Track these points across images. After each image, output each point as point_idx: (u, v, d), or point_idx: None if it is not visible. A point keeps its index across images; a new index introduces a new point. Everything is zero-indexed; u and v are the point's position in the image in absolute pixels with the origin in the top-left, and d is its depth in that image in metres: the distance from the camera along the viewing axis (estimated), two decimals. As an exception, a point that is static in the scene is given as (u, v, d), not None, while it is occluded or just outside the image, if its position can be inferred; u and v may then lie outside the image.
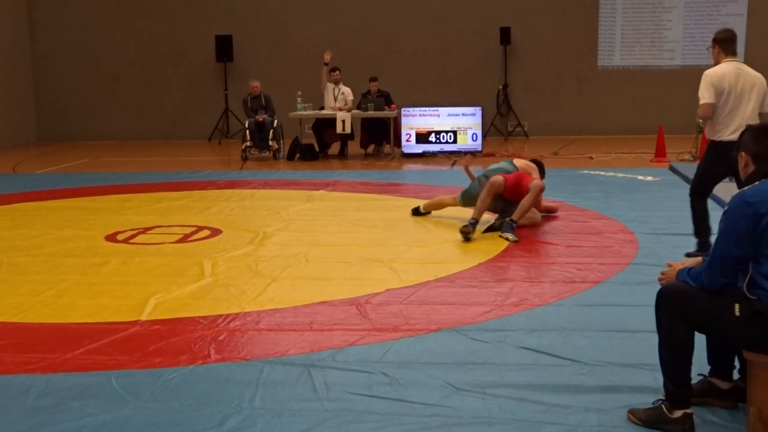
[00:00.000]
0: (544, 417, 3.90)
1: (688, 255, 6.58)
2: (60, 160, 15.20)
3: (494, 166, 8.83)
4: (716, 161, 6.58)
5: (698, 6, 17.25)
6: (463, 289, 6.05)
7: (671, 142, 13.82)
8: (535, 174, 8.51)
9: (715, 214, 3.80)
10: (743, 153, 3.74)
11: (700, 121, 7.14)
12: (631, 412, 3.86)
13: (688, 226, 7.95)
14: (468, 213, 8.17)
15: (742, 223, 3.51)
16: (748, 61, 16.78)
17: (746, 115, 6.51)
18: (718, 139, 6.58)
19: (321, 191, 10.75)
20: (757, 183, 3.59)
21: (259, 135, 14.61)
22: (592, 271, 6.47)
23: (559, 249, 7.28)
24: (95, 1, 18.41)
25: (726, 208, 3.65)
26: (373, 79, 14.98)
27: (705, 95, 6.54)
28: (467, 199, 8.56)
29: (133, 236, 8.17)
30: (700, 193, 6.88)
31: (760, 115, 6.58)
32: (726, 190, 8.15)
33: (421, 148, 14.64)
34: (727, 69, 6.61)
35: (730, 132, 6.46)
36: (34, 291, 6.18)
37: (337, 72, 14.85)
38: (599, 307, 5.55)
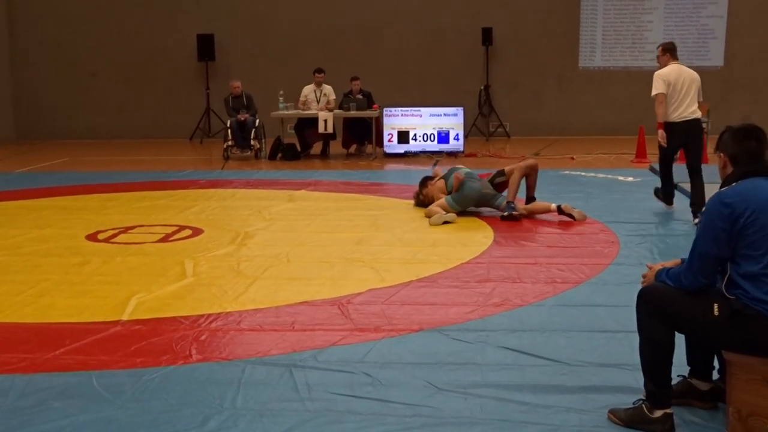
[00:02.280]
0: (525, 417, 3.92)
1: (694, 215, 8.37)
2: (39, 159, 15.11)
3: (466, 170, 9.12)
4: (672, 135, 8.74)
5: (679, 8, 17.36)
6: (445, 289, 6.07)
7: (652, 142, 13.80)
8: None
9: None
10: (722, 154, 3.77)
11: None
12: (612, 412, 3.88)
13: (669, 226, 8.05)
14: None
15: (720, 223, 3.54)
16: (727, 62, 16.93)
17: (686, 102, 8.71)
18: (670, 120, 8.71)
19: (303, 191, 10.74)
20: (734, 184, 3.62)
21: (241, 134, 14.58)
22: (573, 271, 6.50)
23: (541, 249, 7.31)
24: (75, -1, 18.33)
25: (704, 208, 3.68)
26: (354, 79, 14.99)
27: (659, 88, 8.72)
28: (463, 201, 8.76)
29: (115, 236, 8.14)
30: (666, 162, 9.00)
31: (699, 103, 8.90)
32: (705, 191, 8.25)
33: (403, 148, 14.65)
34: (672, 69, 8.76)
35: (677, 115, 8.69)
36: (14, 291, 6.14)
37: (322, 74, 14.83)
38: (580, 308, 5.58)
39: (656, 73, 8.82)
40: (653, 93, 8.78)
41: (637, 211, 8.98)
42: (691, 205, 8.61)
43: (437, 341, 4.96)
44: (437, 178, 9.31)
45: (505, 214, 8.60)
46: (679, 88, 8.68)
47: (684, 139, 8.78)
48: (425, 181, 9.41)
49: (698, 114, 8.81)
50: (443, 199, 8.83)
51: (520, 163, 9.31)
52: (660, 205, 9.19)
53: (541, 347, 4.80)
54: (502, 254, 7.13)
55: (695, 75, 8.82)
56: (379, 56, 17.78)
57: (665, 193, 9.10)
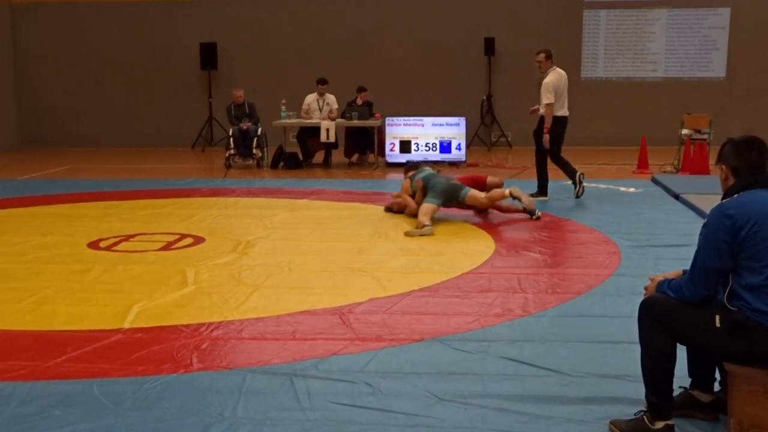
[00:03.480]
0: (526, 428, 3.92)
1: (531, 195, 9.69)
2: (42, 166, 15.14)
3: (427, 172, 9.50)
4: (559, 128, 10.40)
5: (681, 19, 17.39)
6: (446, 299, 6.07)
7: (653, 153, 13.91)
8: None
9: (697, 227, 3.83)
10: (723, 166, 3.77)
11: (541, 110, 10.40)
12: (613, 423, 3.88)
13: (671, 237, 8.06)
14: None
15: (722, 235, 3.54)
16: (729, 74, 16.96)
17: (563, 100, 10.42)
18: (556, 115, 10.30)
19: (304, 200, 10.75)
20: (736, 195, 3.62)
21: (243, 143, 14.60)
22: (574, 282, 6.50)
23: (542, 259, 7.31)
24: (79, 6, 18.36)
25: (706, 220, 3.68)
26: (361, 89, 14.99)
27: (550, 97, 10.23)
28: (439, 194, 9.00)
29: (116, 243, 8.15)
30: (558, 155, 10.55)
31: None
32: (707, 202, 8.25)
33: (404, 158, 14.64)
34: (556, 75, 10.39)
35: (560, 111, 10.35)
36: (15, 298, 6.15)
37: (325, 86, 14.86)
38: (581, 318, 5.58)
39: (545, 81, 10.24)
40: (546, 102, 10.21)
41: (639, 221, 8.98)
42: (573, 181, 10.43)
43: (438, 351, 4.96)
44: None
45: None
46: (561, 90, 10.34)
47: (562, 131, 10.49)
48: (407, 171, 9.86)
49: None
50: (425, 204, 8.85)
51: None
52: (661, 215, 9.20)
53: (542, 358, 4.80)
54: (503, 264, 7.14)
55: (565, 74, 10.56)
56: (381, 66, 17.81)
57: (572, 174, 10.52)
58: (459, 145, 14.75)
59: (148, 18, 18.32)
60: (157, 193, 11.47)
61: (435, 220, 8.77)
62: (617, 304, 5.84)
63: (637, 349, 3.80)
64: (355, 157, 15.24)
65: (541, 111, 10.37)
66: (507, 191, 9.09)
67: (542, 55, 10.46)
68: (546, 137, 10.27)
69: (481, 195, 9.14)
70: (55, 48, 18.49)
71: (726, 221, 3.54)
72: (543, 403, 4.17)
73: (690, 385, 4.02)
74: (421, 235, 8.33)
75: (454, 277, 6.70)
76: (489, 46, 17.38)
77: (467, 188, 9.17)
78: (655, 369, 3.71)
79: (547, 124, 10.22)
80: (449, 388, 4.37)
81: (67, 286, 6.51)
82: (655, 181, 11.98)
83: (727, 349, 3.58)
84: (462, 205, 9.23)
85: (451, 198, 9.13)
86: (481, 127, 17.57)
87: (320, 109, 14.83)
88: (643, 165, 13.50)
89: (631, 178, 12.77)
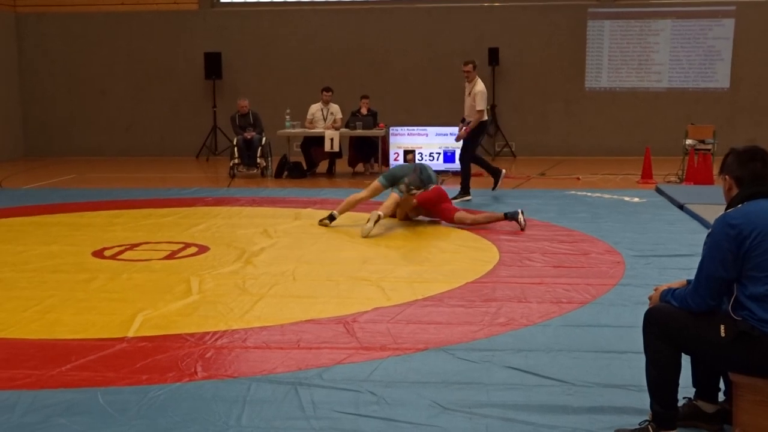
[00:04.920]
0: (530, 437, 3.91)
1: (454, 198, 10.48)
2: (47, 176, 15.17)
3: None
4: (481, 133, 11.79)
5: (685, 30, 17.40)
6: (451, 308, 6.07)
7: (658, 163, 13.91)
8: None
9: (701, 237, 3.83)
10: (727, 176, 3.78)
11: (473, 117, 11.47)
12: (618, 432, 3.88)
13: (675, 247, 8.06)
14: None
15: (726, 245, 3.54)
16: (733, 84, 16.99)
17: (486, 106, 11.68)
18: (483, 120, 11.54)
19: (309, 209, 10.76)
20: (740, 206, 3.63)
21: (247, 152, 14.63)
22: (579, 291, 6.49)
23: (546, 269, 7.30)
24: (83, 17, 18.42)
25: (710, 230, 3.68)
26: (364, 97, 15.05)
27: (483, 105, 11.37)
28: (390, 177, 9.68)
29: (121, 252, 8.16)
30: (475, 155, 11.85)
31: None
32: (711, 212, 8.24)
33: (409, 168, 14.65)
34: (482, 84, 11.54)
35: (486, 117, 11.71)
36: (20, 307, 6.16)
37: (330, 93, 14.91)
38: (586, 328, 5.57)
39: (479, 90, 11.36)
40: (480, 108, 11.33)
41: (643, 231, 8.97)
42: (496, 178, 11.68)
43: (443, 360, 4.96)
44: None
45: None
46: (487, 97, 11.80)
47: (483, 133, 11.94)
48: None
49: None
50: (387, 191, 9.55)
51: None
52: (665, 225, 9.20)
53: (547, 367, 4.80)
54: (507, 274, 7.13)
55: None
56: (386, 76, 17.84)
57: (493, 172, 11.71)
58: (463, 154, 14.74)
59: (153, 28, 18.37)
60: (161, 202, 11.49)
61: (438, 229, 8.78)
62: (622, 314, 5.84)
63: (642, 359, 3.79)
64: (359, 167, 15.25)
65: (474, 118, 11.41)
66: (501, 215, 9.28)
67: (470, 66, 11.50)
68: (462, 135, 11.49)
69: (469, 217, 9.40)
70: (59, 58, 18.55)
71: (730, 231, 3.54)
72: (548, 413, 4.16)
73: (694, 396, 4.01)
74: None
75: (458, 286, 6.70)
76: (493, 56, 17.40)
77: (407, 180, 9.40)
78: (660, 379, 3.71)
79: (473, 125, 11.39)
80: (454, 398, 4.37)
81: (72, 295, 6.52)
82: (659, 191, 11.97)
83: (732, 358, 3.58)
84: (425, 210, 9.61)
85: (394, 181, 9.56)
86: (485, 137, 17.54)
87: (324, 119, 14.86)
88: (647, 175, 13.50)
89: (635, 188, 12.77)
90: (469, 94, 11.52)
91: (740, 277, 3.55)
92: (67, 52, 18.53)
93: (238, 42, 18.13)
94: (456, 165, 14.63)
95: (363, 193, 9.85)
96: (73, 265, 7.57)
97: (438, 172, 14.31)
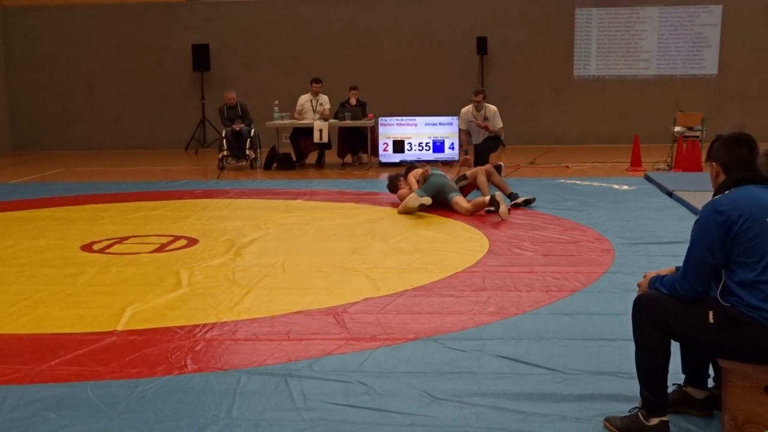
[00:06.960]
0: (521, 426, 3.92)
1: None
2: (35, 170, 15.10)
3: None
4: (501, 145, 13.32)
5: (673, 17, 17.43)
6: (441, 298, 6.07)
7: (646, 151, 13.94)
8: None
9: (690, 224, 3.84)
10: (714, 163, 3.78)
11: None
12: (608, 420, 3.88)
13: (664, 234, 8.07)
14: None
15: (714, 231, 3.54)
16: (721, 71, 17.00)
17: None
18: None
19: (298, 200, 10.74)
20: (727, 192, 3.63)
21: (236, 144, 14.60)
22: (568, 279, 6.50)
23: (536, 258, 7.31)
24: (70, 9, 18.33)
25: (698, 217, 3.69)
26: (353, 88, 15.02)
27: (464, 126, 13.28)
28: (428, 188, 9.64)
29: (110, 246, 8.13)
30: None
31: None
32: (700, 199, 8.27)
33: (398, 158, 14.67)
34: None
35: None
36: (9, 301, 6.13)
37: (319, 84, 14.88)
38: (575, 316, 5.58)
39: (496, 109, 13.19)
40: (501, 125, 13.22)
41: (632, 219, 8.99)
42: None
43: (433, 350, 4.96)
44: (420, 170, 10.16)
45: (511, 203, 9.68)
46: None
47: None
48: (408, 171, 10.39)
49: None
50: (414, 193, 9.58)
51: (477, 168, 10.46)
52: (654, 213, 9.23)
53: (537, 356, 4.80)
54: (497, 263, 7.14)
55: None
56: (374, 66, 17.81)
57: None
58: (452, 144, 14.76)
59: (140, 20, 18.29)
60: (150, 195, 11.45)
61: (422, 214, 9.23)
62: (611, 302, 5.85)
63: (632, 346, 3.80)
64: (348, 158, 15.24)
65: (497, 129, 13.15)
66: (487, 198, 9.34)
67: (481, 96, 13.20)
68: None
69: (465, 203, 9.52)
70: (46, 51, 18.46)
71: (718, 217, 3.54)
72: (538, 401, 4.17)
73: (684, 382, 4.02)
74: (421, 206, 9.37)
75: (447, 276, 6.70)
76: (481, 44, 17.39)
77: (456, 192, 9.73)
78: (649, 366, 3.71)
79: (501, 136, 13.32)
80: (444, 387, 4.37)
81: (61, 289, 6.50)
82: (648, 178, 11.99)
83: (721, 345, 3.58)
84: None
85: (437, 195, 9.62)
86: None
87: (314, 110, 14.83)
88: (636, 162, 13.52)
89: (624, 175, 12.79)
90: (485, 119, 13.08)
91: (728, 263, 3.55)
92: (54, 44, 18.44)
93: (226, 33, 18.08)
94: (445, 154, 14.68)
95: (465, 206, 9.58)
96: (61, 260, 7.55)
97: (427, 162, 14.41)
